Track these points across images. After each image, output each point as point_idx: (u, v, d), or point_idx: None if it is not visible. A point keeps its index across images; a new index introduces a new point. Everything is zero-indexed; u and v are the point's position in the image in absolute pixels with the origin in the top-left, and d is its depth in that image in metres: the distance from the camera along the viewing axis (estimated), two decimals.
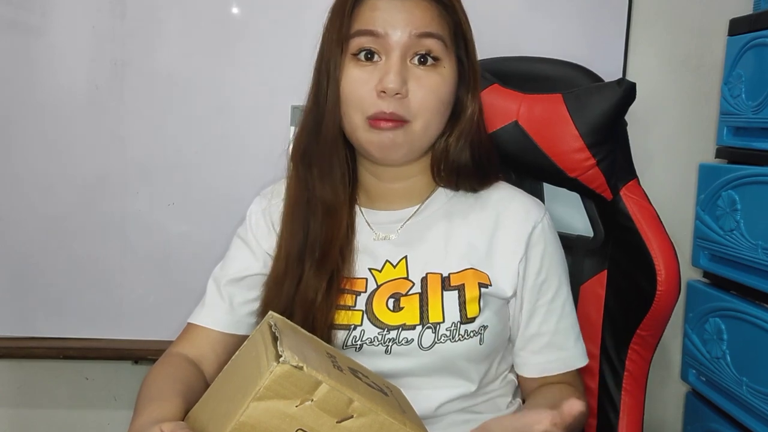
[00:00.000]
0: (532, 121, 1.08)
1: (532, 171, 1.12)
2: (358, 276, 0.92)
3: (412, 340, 0.86)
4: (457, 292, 0.88)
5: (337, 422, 0.64)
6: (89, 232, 1.42)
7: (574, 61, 1.15)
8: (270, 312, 0.78)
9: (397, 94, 0.84)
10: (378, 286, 0.90)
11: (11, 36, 1.36)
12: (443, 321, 0.87)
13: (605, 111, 1.04)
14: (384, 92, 0.84)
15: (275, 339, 0.67)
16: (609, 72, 1.19)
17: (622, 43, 1.40)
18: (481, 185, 0.96)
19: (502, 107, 1.09)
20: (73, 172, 1.40)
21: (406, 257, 0.92)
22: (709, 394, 1.32)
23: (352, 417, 0.64)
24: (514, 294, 0.92)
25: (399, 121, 0.86)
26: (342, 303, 0.90)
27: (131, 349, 1.45)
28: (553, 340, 0.93)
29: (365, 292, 0.90)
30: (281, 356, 0.62)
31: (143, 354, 1.46)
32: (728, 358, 1.23)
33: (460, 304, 0.87)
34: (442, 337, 0.86)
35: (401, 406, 0.71)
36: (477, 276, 0.89)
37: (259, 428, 0.62)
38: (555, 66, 1.14)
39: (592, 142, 1.05)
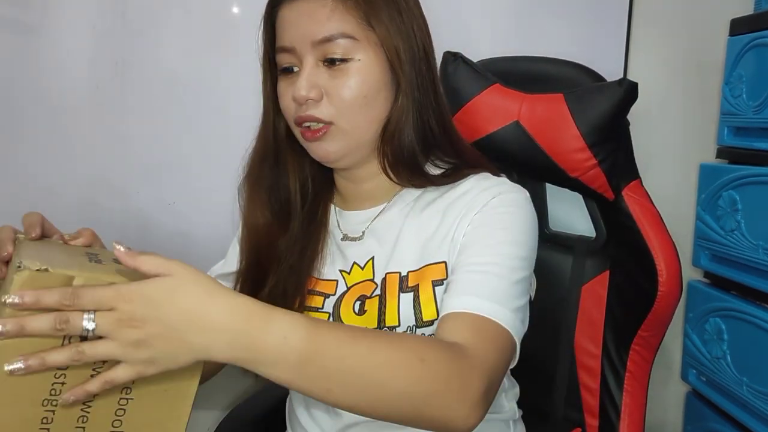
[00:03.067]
0: (533, 121, 1.08)
1: (533, 171, 1.12)
2: (328, 278, 0.91)
3: None
4: (412, 293, 0.84)
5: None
6: None
7: (575, 61, 1.15)
8: (17, 235, 0.76)
9: (308, 99, 0.84)
10: (347, 289, 0.89)
11: (12, 35, 1.36)
12: (399, 325, 0.83)
13: (606, 111, 1.04)
14: (295, 101, 0.85)
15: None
16: (609, 72, 1.19)
17: (623, 42, 1.40)
18: (442, 178, 0.89)
19: (504, 107, 1.09)
20: (73, 171, 1.40)
21: (372, 258, 0.90)
22: (710, 395, 1.31)
23: None
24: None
25: (322, 129, 0.85)
26: (310, 305, 0.89)
27: None
28: (458, 288, 0.78)
29: (334, 294, 0.89)
30: (20, 265, 0.61)
31: None
32: (728, 358, 1.23)
33: (415, 307, 0.84)
34: (416, 328, 0.83)
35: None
36: (434, 272, 0.84)
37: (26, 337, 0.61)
38: (556, 66, 1.15)
39: (593, 142, 1.05)
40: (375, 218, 0.93)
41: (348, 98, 0.85)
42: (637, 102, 1.06)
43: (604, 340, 1.09)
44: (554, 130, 1.06)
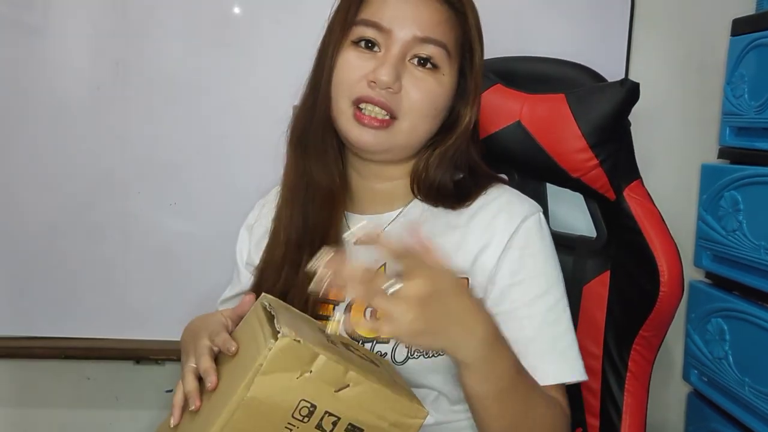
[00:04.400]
0: (534, 121, 1.08)
1: (535, 171, 1.12)
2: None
3: (386, 354, 0.84)
4: None
5: (335, 391, 0.67)
6: (91, 232, 1.42)
7: (577, 61, 1.15)
8: (263, 294, 0.80)
9: (388, 88, 0.82)
10: None
11: (12, 36, 1.36)
12: None
13: (608, 111, 1.04)
14: (374, 82, 0.82)
15: (271, 317, 0.71)
16: (611, 72, 1.18)
17: (625, 43, 1.40)
18: (460, 204, 0.90)
19: (505, 107, 1.09)
20: (74, 171, 1.40)
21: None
22: (711, 395, 1.31)
23: (348, 386, 0.67)
24: (485, 293, 0.86)
25: (384, 121, 0.83)
26: (321, 313, 0.88)
27: (133, 348, 1.45)
28: (530, 349, 0.83)
29: (344, 301, 0.89)
30: (279, 332, 0.66)
31: (145, 354, 1.46)
32: (730, 358, 1.23)
33: None
34: (415, 353, 0.84)
35: (391, 376, 0.75)
36: None
37: (267, 402, 0.65)
38: (558, 66, 1.14)
39: (595, 142, 1.04)
40: (389, 224, 0.93)
41: (420, 102, 0.84)
42: (638, 102, 1.06)
43: (605, 340, 1.09)
44: (556, 130, 1.06)
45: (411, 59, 0.84)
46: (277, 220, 0.93)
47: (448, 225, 0.90)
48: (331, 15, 0.89)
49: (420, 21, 0.83)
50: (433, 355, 0.84)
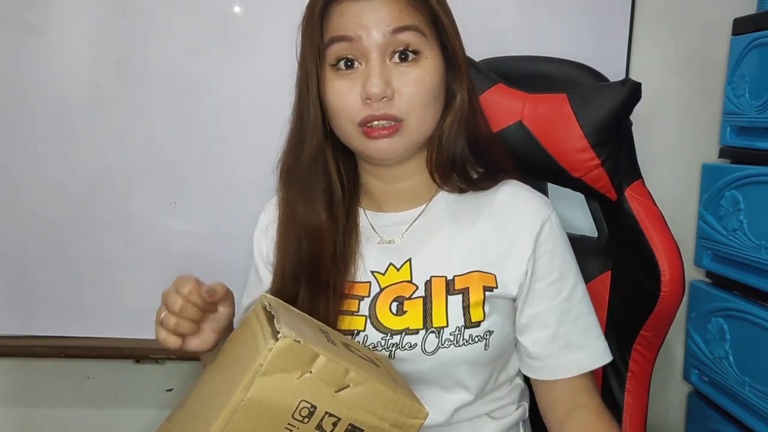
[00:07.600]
0: (536, 121, 1.08)
1: (536, 171, 1.12)
2: (362, 280, 0.91)
3: (416, 344, 0.86)
4: (461, 295, 0.86)
5: (335, 392, 0.68)
6: (91, 231, 1.41)
7: (578, 61, 1.15)
8: (262, 294, 0.80)
9: (383, 98, 0.83)
10: (381, 290, 0.90)
11: (12, 35, 1.36)
12: (447, 325, 0.85)
13: (610, 111, 1.04)
14: (369, 99, 0.83)
15: (271, 317, 0.71)
16: (612, 72, 1.18)
17: (625, 42, 1.40)
18: (484, 182, 0.92)
19: (507, 107, 1.09)
20: (74, 170, 1.40)
21: (410, 260, 0.91)
22: (712, 395, 1.31)
23: (348, 386, 0.68)
24: (519, 293, 0.89)
25: (392, 127, 0.84)
26: (345, 308, 0.89)
27: (133, 348, 1.45)
28: (573, 339, 0.90)
29: (368, 296, 0.90)
30: (279, 332, 0.66)
31: (145, 353, 1.46)
32: (731, 358, 1.23)
33: (464, 308, 0.86)
34: (446, 342, 0.85)
35: (392, 376, 0.75)
36: (482, 279, 0.88)
37: (267, 403, 0.66)
38: (559, 65, 1.14)
39: (596, 142, 1.05)
40: (414, 220, 0.93)
41: (417, 96, 0.85)
42: (639, 101, 1.06)
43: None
44: (557, 130, 1.06)
45: (391, 58, 0.85)
46: (276, 251, 0.94)
47: (476, 216, 0.92)
48: (298, 49, 0.89)
49: (383, 18, 0.83)
50: (464, 344, 0.85)
